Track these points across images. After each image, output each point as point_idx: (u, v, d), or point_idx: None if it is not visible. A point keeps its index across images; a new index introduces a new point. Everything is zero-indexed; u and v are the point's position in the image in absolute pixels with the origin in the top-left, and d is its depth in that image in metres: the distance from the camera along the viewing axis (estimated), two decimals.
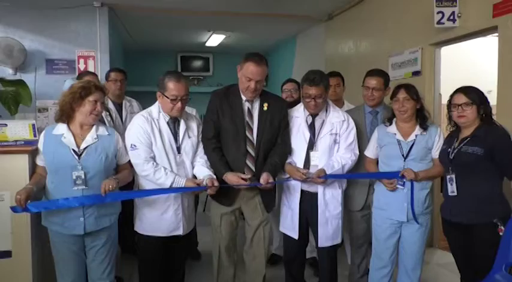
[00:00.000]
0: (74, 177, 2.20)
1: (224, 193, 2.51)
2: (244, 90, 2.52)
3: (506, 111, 3.13)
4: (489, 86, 3.04)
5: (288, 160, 2.68)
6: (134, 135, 2.44)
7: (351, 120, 2.73)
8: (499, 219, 2.20)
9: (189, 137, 2.57)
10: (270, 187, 2.53)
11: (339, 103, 3.51)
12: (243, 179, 2.45)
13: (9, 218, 2.32)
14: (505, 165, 2.25)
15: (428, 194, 2.58)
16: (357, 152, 2.73)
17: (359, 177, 2.86)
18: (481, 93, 2.33)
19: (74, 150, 2.23)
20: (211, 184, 2.40)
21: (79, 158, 2.23)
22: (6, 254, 2.35)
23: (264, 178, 2.48)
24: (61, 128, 2.28)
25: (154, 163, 2.42)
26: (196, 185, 2.42)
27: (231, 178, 2.47)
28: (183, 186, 2.41)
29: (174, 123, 2.54)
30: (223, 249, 2.66)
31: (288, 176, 2.67)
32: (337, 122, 2.68)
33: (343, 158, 2.64)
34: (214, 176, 2.47)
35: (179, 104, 2.44)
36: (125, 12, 5.45)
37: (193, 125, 2.64)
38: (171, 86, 2.41)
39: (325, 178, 2.55)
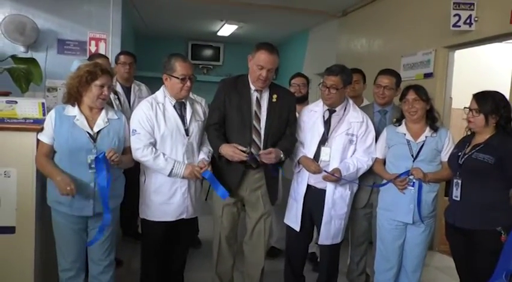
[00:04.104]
0: (89, 161, 2.21)
1: (226, 183, 2.51)
2: (255, 79, 2.51)
3: None
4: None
5: (301, 153, 2.66)
6: (136, 121, 2.45)
7: (369, 122, 2.70)
8: (502, 227, 2.19)
9: (196, 120, 2.58)
10: (270, 160, 2.44)
11: (358, 100, 3.43)
12: (241, 150, 2.41)
13: (15, 194, 2.33)
14: None
15: (435, 197, 2.56)
16: (374, 156, 2.69)
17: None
18: (498, 101, 2.24)
19: (89, 134, 2.24)
20: (203, 165, 2.44)
21: (94, 142, 2.24)
22: (10, 230, 2.36)
23: (271, 151, 2.43)
24: (72, 110, 2.27)
25: (154, 149, 2.43)
26: (194, 171, 2.43)
27: (226, 149, 2.45)
28: (182, 172, 2.43)
29: (180, 106, 2.54)
30: (224, 240, 2.67)
31: (298, 170, 2.67)
32: (355, 122, 2.65)
33: (360, 161, 2.63)
34: (208, 159, 2.51)
35: (188, 83, 2.46)
36: None
37: (199, 109, 2.64)
38: (179, 66, 2.44)
39: (339, 178, 2.53)
